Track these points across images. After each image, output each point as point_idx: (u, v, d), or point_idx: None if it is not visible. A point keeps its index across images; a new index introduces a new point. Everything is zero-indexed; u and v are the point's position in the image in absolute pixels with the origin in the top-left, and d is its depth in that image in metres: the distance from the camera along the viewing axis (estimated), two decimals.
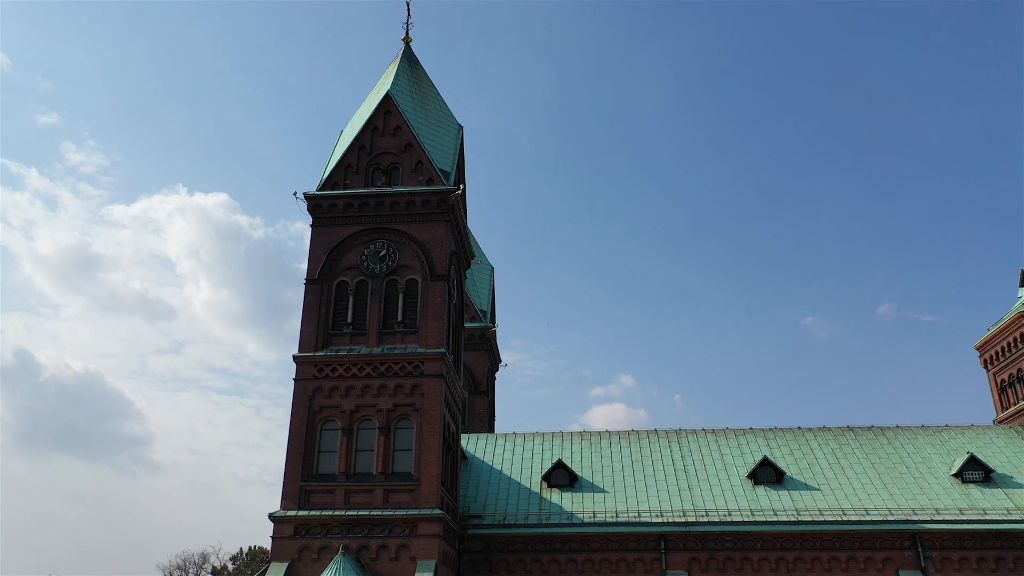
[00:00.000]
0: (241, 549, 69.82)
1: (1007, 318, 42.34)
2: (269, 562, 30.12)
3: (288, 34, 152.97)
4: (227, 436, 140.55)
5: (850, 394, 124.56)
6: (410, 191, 35.13)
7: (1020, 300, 43.32)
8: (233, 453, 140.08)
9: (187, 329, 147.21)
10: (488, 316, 52.45)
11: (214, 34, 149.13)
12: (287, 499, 30.76)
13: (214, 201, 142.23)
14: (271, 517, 30.43)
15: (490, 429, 51.81)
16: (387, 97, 37.56)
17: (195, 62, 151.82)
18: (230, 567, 67.31)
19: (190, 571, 64.63)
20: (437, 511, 29.99)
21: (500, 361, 56.04)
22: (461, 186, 36.15)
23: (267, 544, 75.30)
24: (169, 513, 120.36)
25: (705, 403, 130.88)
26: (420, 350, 32.76)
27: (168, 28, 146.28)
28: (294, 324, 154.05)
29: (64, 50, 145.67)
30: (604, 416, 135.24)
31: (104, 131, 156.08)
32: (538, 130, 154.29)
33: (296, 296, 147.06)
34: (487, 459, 40.39)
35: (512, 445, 41.48)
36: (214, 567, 66.42)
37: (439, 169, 36.09)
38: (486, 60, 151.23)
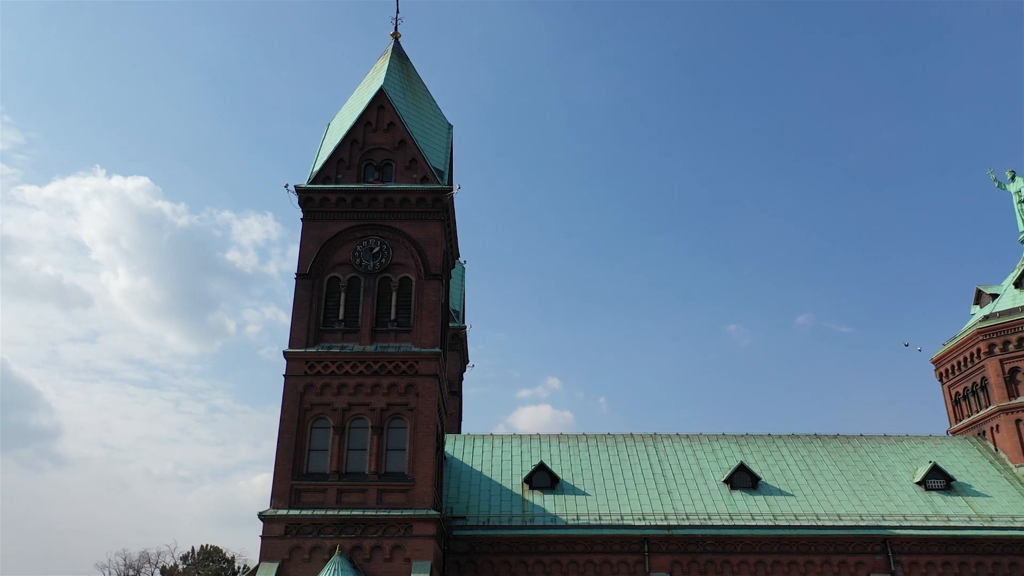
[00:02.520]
0: (193, 548, 67.93)
1: (964, 335, 44.39)
2: (259, 562, 29.47)
3: (224, 13, 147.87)
4: (142, 430, 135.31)
5: (774, 400, 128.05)
6: (406, 189, 34.82)
7: (975, 317, 45.48)
8: (148, 448, 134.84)
9: (103, 318, 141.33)
10: (460, 316, 52.30)
11: (141, 5, 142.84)
12: (277, 498, 30.13)
13: (134, 185, 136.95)
14: (261, 516, 29.79)
15: (458, 430, 51.65)
16: (381, 92, 37.12)
17: (123, 36, 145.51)
18: (181, 566, 65.21)
19: (143, 571, 62.41)
20: (433, 512, 29.83)
21: (468, 361, 55.94)
22: (458, 186, 36.06)
23: (219, 543, 74.13)
24: (76, 509, 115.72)
25: (630, 406, 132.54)
26: (415, 349, 32.52)
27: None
28: (218, 316, 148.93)
29: None
30: (530, 418, 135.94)
31: (21, 107, 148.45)
32: (467, 132, 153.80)
33: (221, 287, 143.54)
34: (466, 460, 40.28)
35: (490, 447, 41.48)
36: (164, 567, 64.27)
37: (433, 168, 35.86)
38: (429, 58, 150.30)
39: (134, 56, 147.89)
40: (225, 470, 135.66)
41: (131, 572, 62.75)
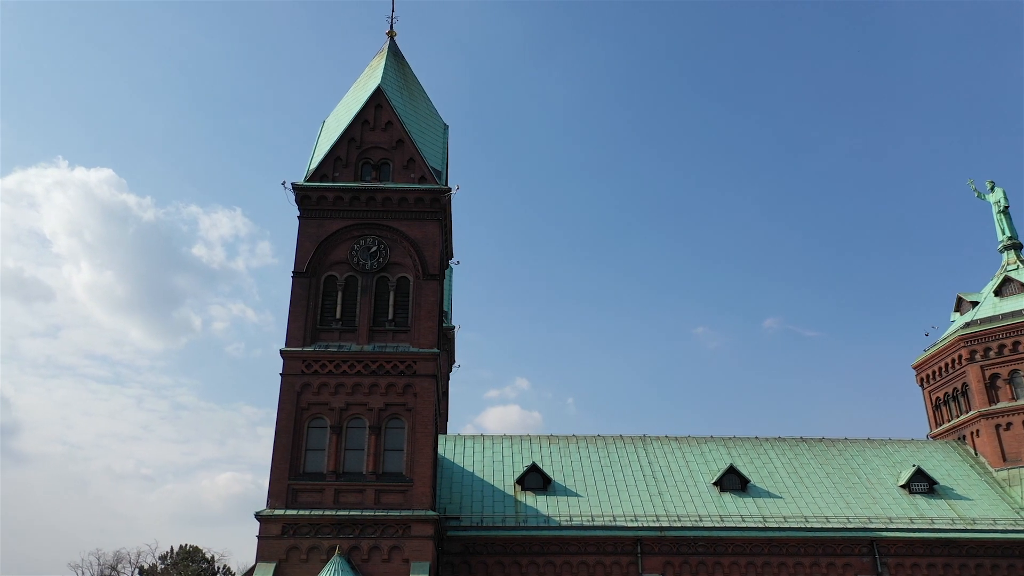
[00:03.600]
0: (172, 548, 66.89)
1: (945, 341, 45.28)
2: (256, 562, 29.20)
3: (195, 3, 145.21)
4: (104, 427, 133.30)
5: (737, 403, 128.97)
6: (404, 188, 34.75)
7: (955, 324, 46.42)
8: (109, 445, 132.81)
9: (65, 312, 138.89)
10: (448, 316, 52.17)
11: None
12: (274, 497, 29.89)
13: (97, 177, 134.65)
14: (258, 516, 29.52)
15: (445, 431, 51.51)
16: (378, 90, 37.04)
17: (87, 25, 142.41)
18: (160, 566, 64.15)
19: (123, 571, 61.29)
20: (431, 512, 29.85)
21: (454, 361, 55.82)
22: (456, 186, 36.03)
23: (198, 542, 73.09)
24: (34, 507, 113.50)
25: (598, 407, 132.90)
26: (413, 349, 32.51)
27: None
28: (183, 312, 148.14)
29: None
30: (498, 418, 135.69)
31: None
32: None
33: (187, 283, 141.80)
34: (457, 461, 40.26)
35: (481, 447, 41.50)
36: (141, 567, 63.22)
37: (431, 168, 35.84)
38: (410, 55, 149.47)
39: (99, 45, 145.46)
40: (189, 468, 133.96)
41: (111, 573, 61.68)
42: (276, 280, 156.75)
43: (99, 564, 63.31)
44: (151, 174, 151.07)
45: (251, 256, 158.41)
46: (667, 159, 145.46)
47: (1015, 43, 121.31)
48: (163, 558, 64.90)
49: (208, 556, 66.01)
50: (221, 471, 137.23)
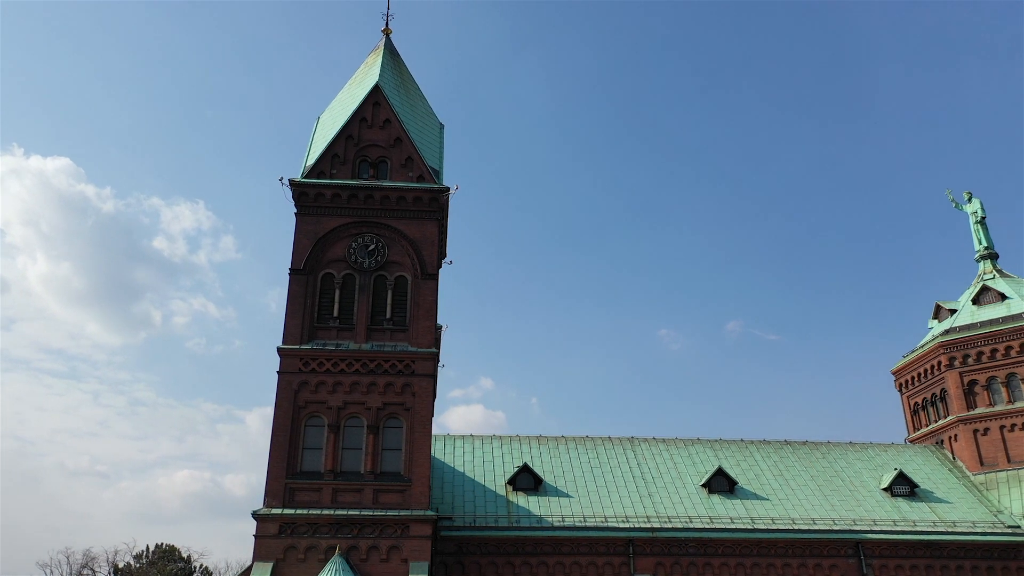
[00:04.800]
0: (148, 547, 65.61)
1: (925, 348, 46.31)
2: (253, 561, 28.90)
3: None
4: (58, 422, 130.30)
5: (710, 405, 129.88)
6: (403, 187, 34.66)
7: (933, 331, 47.53)
8: (63, 441, 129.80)
9: (19, 304, 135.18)
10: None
11: None
12: (271, 496, 29.62)
13: (54, 166, 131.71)
14: (255, 515, 29.21)
15: None
16: (376, 88, 36.91)
17: (44, 7, 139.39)
18: (134, 565, 62.93)
19: (100, 570, 59.93)
20: (430, 512, 29.82)
21: (438, 361, 55.64)
22: (456, 186, 35.99)
23: (175, 541, 71.76)
24: None
25: (561, 407, 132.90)
26: (411, 349, 32.47)
27: None
28: (143, 306, 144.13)
29: None
30: (462, 417, 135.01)
31: None
32: None
33: (147, 276, 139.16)
34: (447, 461, 40.22)
35: (471, 447, 41.51)
36: (116, 566, 61.96)
37: (429, 167, 35.79)
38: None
39: (59, 30, 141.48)
40: (145, 465, 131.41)
41: (88, 573, 60.39)
42: (239, 275, 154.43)
43: (68, 563, 62.10)
44: (111, 164, 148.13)
45: (214, 250, 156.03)
46: (634, 161, 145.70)
47: (996, 53, 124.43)
48: (138, 557, 63.80)
49: (185, 555, 65.01)
50: (179, 468, 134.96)
